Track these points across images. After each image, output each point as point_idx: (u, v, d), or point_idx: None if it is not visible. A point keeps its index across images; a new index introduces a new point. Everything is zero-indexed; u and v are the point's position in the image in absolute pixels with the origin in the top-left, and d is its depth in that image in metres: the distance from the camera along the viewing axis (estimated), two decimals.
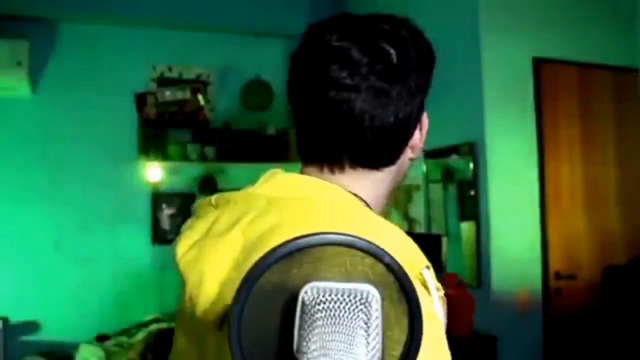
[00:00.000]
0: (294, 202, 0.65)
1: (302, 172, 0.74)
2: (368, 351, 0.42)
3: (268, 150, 4.25)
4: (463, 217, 3.08)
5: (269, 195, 0.67)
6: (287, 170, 0.72)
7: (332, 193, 0.68)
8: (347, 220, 0.60)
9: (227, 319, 0.47)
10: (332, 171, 0.72)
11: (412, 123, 0.72)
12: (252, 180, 0.72)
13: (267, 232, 0.60)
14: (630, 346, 2.88)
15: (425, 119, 0.77)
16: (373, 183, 0.74)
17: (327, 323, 0.42)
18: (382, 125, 0.68)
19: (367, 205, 0.72)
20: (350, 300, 0.42)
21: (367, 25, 0.70)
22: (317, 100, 0.69)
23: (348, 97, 0.67)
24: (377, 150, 0.71)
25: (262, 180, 0.71)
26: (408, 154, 0.76)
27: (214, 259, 0.63)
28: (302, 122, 0.73)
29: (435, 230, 3.27)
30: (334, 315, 0.42)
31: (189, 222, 0.73)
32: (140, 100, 4.18)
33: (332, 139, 0.70)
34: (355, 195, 0.70)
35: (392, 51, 0.68)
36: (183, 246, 0.68)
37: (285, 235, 0.50)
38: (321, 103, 0.68)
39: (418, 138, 0.76)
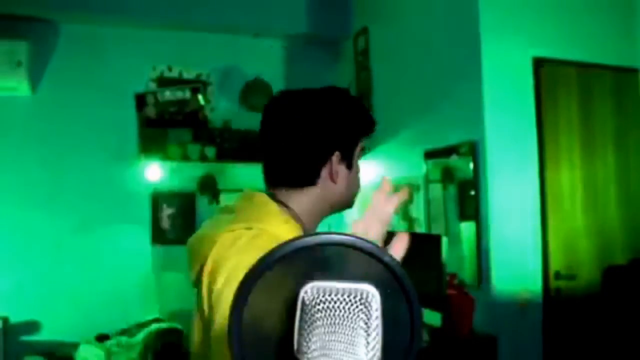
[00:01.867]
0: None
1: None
2: (368, 351, 0.41)
3: None
4: (463, 217, 3.08)
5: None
6: None
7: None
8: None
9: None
10: (280, 191, 1.03)
11: (315, 158, 1.00)
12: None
13: None
14: (630, 346, 2.88)
15: (355, 162, 1.03)
16: (309, 199, 1.01)
17: (327, 323, 0.42)
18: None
19: (298, 215, 0.99)
20: (350, 300, 0.42)
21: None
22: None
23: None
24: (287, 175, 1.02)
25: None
26: (331, 181, 1.01)
27: None
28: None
29: (435, 230, 3.27)
30: (334, 315, 0.42)
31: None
32: (140, 100, 4.17)
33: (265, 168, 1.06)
34: (287, 207, 1.00)
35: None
36: None
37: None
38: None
39: (345, 173, 1.01)
